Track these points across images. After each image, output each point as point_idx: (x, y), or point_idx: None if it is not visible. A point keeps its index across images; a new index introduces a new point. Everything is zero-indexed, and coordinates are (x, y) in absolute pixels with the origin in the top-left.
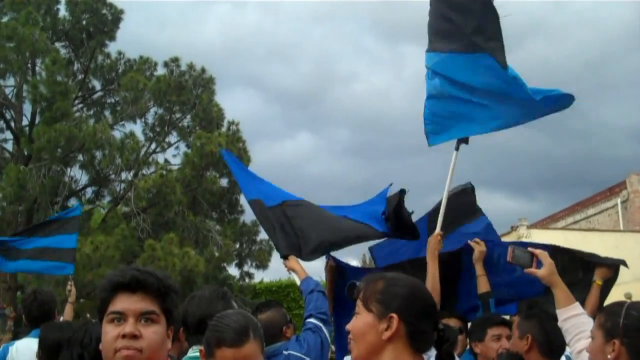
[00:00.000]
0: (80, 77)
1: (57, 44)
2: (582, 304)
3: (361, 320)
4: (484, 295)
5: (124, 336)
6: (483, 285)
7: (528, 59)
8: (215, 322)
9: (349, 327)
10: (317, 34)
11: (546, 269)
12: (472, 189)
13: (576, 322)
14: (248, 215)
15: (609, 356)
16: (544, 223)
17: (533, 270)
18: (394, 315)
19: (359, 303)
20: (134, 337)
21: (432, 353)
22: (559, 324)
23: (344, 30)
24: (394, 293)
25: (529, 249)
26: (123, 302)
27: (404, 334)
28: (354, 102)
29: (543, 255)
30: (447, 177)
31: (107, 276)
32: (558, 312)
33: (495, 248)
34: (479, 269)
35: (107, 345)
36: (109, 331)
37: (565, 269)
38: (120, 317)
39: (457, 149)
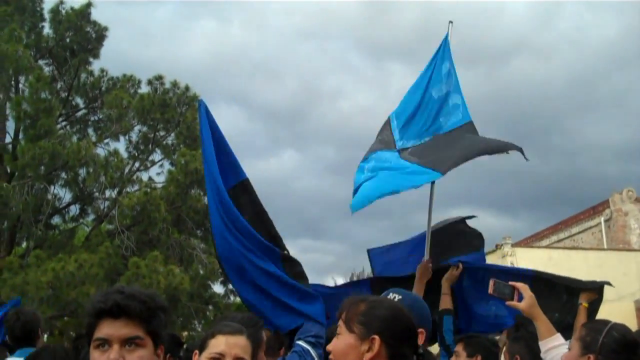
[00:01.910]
0: (63, 94)
1: (41, 62)
2: (568, 326)
3: (343, 341)
4: (443, 311)
5: None
6: (445, 303)
7: (513, 76)
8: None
9: (329, 347)
10: (303, 50)
11: (527, 302)
12: (464, 221)
13: (558, 352)
14: None
15: None
16: (528, 241)
17: (514, 303)
18: (376, 337)
19: (340, 324)
20: None
21: None
22: (542, 355)
23: (330, 47)
24: (377, 315)
25: (510, 282)
26: (107, 328)
27: (385, 355)
28: (339, 120)
29: (524, 288)
30: (427, 208)
31: (91, 301)
32: (540, 343)
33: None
34: (445, 288)
35: None
36: (96, 357)
37: (549, 293)
38: (105, 343)
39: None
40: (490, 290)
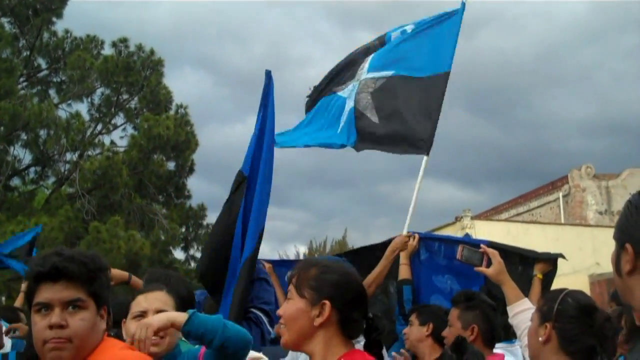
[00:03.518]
0: (25, 54)
1: (3, 20)
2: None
3: (293, 306)
4: (402, 281)
5: (50, 327)
6: (404, 273)
7: (482, 49)
8: None
9: (280, 312)
10: (271, 16)
11: (495, 267)
12: None
13: (525, 317)
14: (195, 199)
15: (540, 338)
16: (488, 214)
17: (483, 269)
18: (326, 302)
19: (291, 288)
20: (61, 327)
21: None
22: (510, 320)
23: (299, 13)
24: (327, 280)
25: (481, 248)
26: (47, 292)
27: (336, 320)
28: (306, 87)
29: (493, 254)
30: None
31: (30, 266)
32: (508, 308)
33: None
34: (403, 258)
35: (37, 335)
36: (37, 322)
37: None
38: (47, 307)
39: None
40: (458, 256)
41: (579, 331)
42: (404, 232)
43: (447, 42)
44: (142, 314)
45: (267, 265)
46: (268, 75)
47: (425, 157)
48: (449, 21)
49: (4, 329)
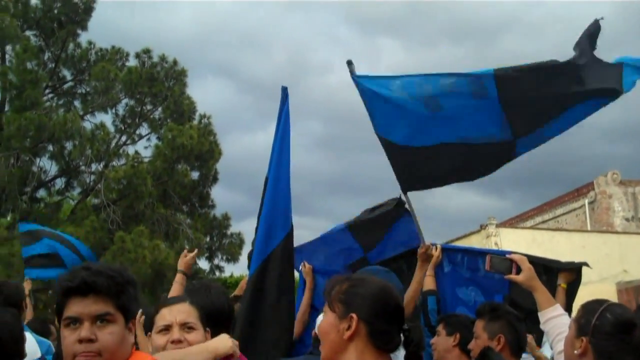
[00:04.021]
0: (50, 66)
1: (28, 32)
2: None
3: (325, 321)
4: (427, 292)
5: (80, 341)
6: (429, 283)
7: (503, 54)
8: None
9: (317, 327)
10: (291, 23)
11: (525, 274)
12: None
13: (557, 323)
14: (219, 209)
15: (575, 351)
16: (513, 222)
17: (513, 276)
18: (354, 315)
19: (325, 304)
20: (90, 341)
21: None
22: (541, 326)
23: (319, 20)
24: (356, 294)
25: (507, 256)
26: (76, 307)
27: (365, 333)
28: (327, 94)
29: (522, 260)
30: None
31: (59, 280)
32: (540, 314)
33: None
34: (428, 269)
35: (66, 350)
36: (67, 336)
37: None
38: (76, 321)
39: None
40: (487, 267)
41: (616, 348)
42: (422, 242)
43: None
44: (167, 328)
45: (307, 266)
46: (284, 91)
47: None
48: None
49: (32, 341)
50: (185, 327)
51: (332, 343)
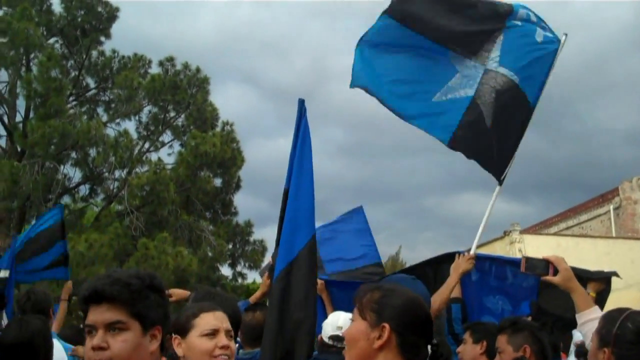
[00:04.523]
0: (74, 74)
1: (52, 41)
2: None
3: (355, 327)
4: (451, 300)
5: (93, 348)
6: (455, 291)
7: None
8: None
9: (343, 332)
10: (313, 29)
11: (562, 275)
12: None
13: (594, 326)
14: (241, 215)
15: None
16: (537, 228)
17: (550, 277)
18: (386, 325)
19: (355, 310)
20: (101, 348)
21: None
22: (578, 328)
23: (340, 26)
24: (389, 304)
25: (544, 256)
26: (92, 315)
27: (395, 344)
28: (349, 101)
29: (558, 261)
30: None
31: (81, 289)
32: (577, 316)
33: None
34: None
35: (85, 357)
36: (87, 344)
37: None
38: (92, 329)
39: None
40: (522, 269)
41: (639, 358)
42: (472, 252)
43: (540, 70)
44: (214, 332)
45: (320, 282)
46: (301, 104)
47: (498, 187)
48: (546, 47)
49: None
50: (229, 334)
51: (361, 350)
